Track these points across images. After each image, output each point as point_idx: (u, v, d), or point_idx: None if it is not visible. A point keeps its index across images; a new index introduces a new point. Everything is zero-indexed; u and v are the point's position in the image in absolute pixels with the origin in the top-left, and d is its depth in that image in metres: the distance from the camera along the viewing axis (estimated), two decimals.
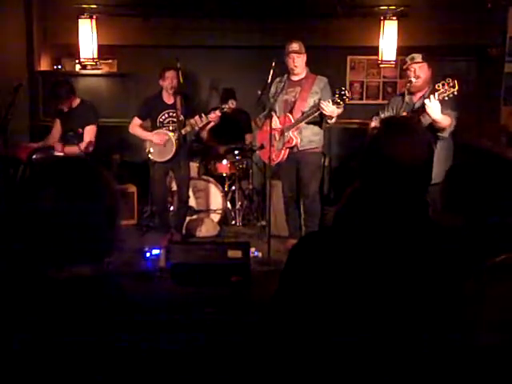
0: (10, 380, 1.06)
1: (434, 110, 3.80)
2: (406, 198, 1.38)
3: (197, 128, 5.06)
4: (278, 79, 4.80)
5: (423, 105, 3.91)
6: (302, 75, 4.73)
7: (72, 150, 4.83)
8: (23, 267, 1.13)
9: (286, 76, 4.75)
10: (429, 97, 3.89)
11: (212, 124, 5.09)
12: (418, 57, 4.19)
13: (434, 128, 3.89)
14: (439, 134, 3.94)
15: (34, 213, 1.12)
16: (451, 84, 3.79)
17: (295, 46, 4.60)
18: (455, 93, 3.79)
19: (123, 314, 1.13)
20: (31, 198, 1.13)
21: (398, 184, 1.38)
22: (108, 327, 1.10)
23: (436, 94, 3.81)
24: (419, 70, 4.16)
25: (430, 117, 3.85)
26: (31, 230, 1.12)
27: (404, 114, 4.13)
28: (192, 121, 4.93)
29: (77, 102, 5.06)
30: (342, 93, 4.34)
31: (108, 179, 1.22)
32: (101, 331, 1.09)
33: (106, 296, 1.15)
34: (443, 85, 3.81)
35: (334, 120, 4.61)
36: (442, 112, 3.85)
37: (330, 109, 4.41)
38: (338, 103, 4.37)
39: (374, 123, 4.42)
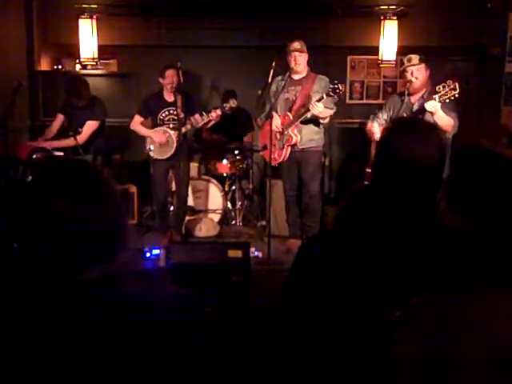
0: (23, 378, 1.06)
1: (436, 112, 3.80)
2: (417, 200, 1.37)
3: (197, 126, 5.06)
4: (279, 78, 4.80)
5: (423, 106, 3.92)
6: (303, 74, 4.73)
7: (67, 142, 4.86)
8: (32, 270, 1.13)
9: (287, 75, 4.75)
10: (428, 98, 3.90)
11: (212, 123, 5.09)
12: (416, 58, 4.18)
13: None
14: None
15: (41, 216, 1.12)
16: (452, 86, 3.78)
17: (297, 44, 4.61)
18: (456, 95, 3.79)
19: (131, 314, 1.13)
20: (38, 202, 1.14)
21: (408, 185, 1.38)
22: (116, 328, 1.10)
23: (437, 96, 3.81)
24: (417, 72, 4.16)
25: (432, 118, 3.84)
26: (38, 234, 1.13)
27: (404, 115, 4.13)
28: (192, 119, 4.93)
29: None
30: (335, 86, 4.34)
31: (110, 181, 1.22)
32: (109, 332, 1.09)
33: (113, 297, 1.15)
34: (444, 87, 3.81)
35: (327, 120, 4.65)
36: (446, 114, 3.85)
37: (319, 109, 4.42)
38: (331, 96, 4.38)
39: (371, 123, 4.43)
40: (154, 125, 5.07)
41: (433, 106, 3.81)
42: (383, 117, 4.39)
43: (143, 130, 5.12)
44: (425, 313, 1.07)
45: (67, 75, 6.20)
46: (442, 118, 3.85)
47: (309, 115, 4.54)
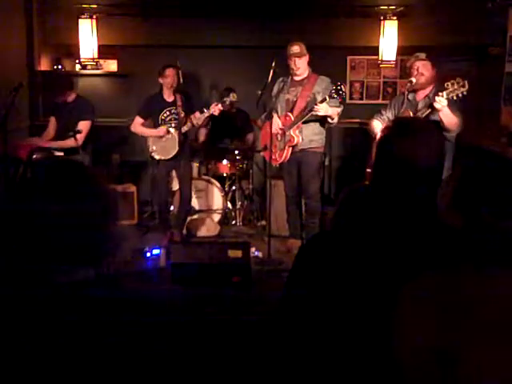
0: (16, 381, 1.06)
1: (442, 108, 3.79)
2: (416, 200, 1.38)
3: (197, 124, 5.04)
4: (280, 79, 4.79)
5: (429, 104, 3.91)
6: (305, 75, 4.73)
7: (68, 143, 4.87)
8: (23, 271, 1.13)
9: (289, 75, 4.75)
10: (434, 96, 3.88)
11: (209, 116, 5.06)
12: (422, 54, 4.20)
13: (440, 128, 3.88)
14: (445, 133, 3.91)
15: (27, 215, 1.12)
16: (461, 83, 3.76)
17: (296, 48, 4.59)
18: (464, 93, 3.76)
19: (125, 314, 1.13)
20: (25, 201, 1.13)
21: (408, 185, 1.38)
22: (110, 328, 1.10)
23: (444, 92, 3.78)
24: (423, 68, 4.15)
25: (438, 116, 3.84)
26: (27, 234, 1.12)
27: (408, 113, 4.12)
28: (192, 117, 4.92)
29: (72, 96, 5.10)
30: (338, 88, 4.35)
31: (100, 180, 1.22)
32: (103, 333, 1.09)
33: (107, 298, 1.15)
34: (452, 84, 3.78)
35: (335, 120, 4.63)
36: (453, 114, 3.85)
37: (323, 110, 4.43)
38: (334, 98, 4.39)
39: (376, 120, 4.42)
40: (156, 125, 5.07)
41: (440, 102, 3.78)
42: (386, 114, 4.39)
43: (144, 130, 5.11)
44: (430, 287, 1.10)
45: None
46: (448, 116, 3.84)
47: (310, 114, 4.54)
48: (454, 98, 3.77)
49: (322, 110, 4.42)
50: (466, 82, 3.75)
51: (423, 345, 1.06)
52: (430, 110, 3.95)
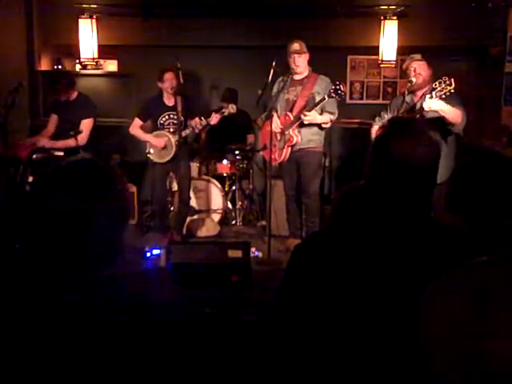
0: (27, 375, 1.06)
1: (433, 106, 3.83)
2: (411, 199, 1.38)
3: (196, 130, 5.06)
4: (280, 78, 4.80)
5: (419, 107, 3.95)
6: (305, 74, 4.74)
7: (69, 143, 4.87)
8: (39, 270, 1.13)
9: (289, 75, 4.76)
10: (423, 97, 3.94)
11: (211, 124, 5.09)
12: (418, 56, 4.23)
13: (444, 123, 3.91)
14: (451, 128, 3.95)
15: (49, 215, 1.13)
16: (448, 82, 3.84)
17: (296, 45, 4.61)
18: (452, 90, 3.84)
19: (137, 314, 1.14)
20: (46, 201, 1.14)
21: (403, 185, 1.38)
22: (121, 327, 1.10)
23: (434, 92, 3.85)
24: (419, 68, 4.18)
25: (441, 114, 3.87)
26: (47, 233, 1.13)
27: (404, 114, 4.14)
28: (192, 123, 4.93)
29: (74, 94, 5.13)
30: (337, 88, 4.38)
31: (119, 180, 1.23)
32: (113, 332, 1.09)
33: (120, 296, 1.16)
34: (440, 83, 3.86)
35: (328, 125, 4.68)
36: (454, 107, 3.89)
37: (310, 119, 4.53)
38: (332, 97, 4.43)
39: (377, 124, 4.43)
40: (154, 128, 5.06)
41: (429, 104, 3.84)
42: (387, 117, 4.41)
43: (142, 135, 5.11)
44: (454, 285, 1.09)
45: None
46: (449, 111, 3.88)
47: (305, 122, 4.58)
48: (443, 96, 3.83)
49: (309, 118, 4.52)
50: (453, 80, 3.83)
51: (455, 344, 1.04)
52: (419, 115, 4.00)
